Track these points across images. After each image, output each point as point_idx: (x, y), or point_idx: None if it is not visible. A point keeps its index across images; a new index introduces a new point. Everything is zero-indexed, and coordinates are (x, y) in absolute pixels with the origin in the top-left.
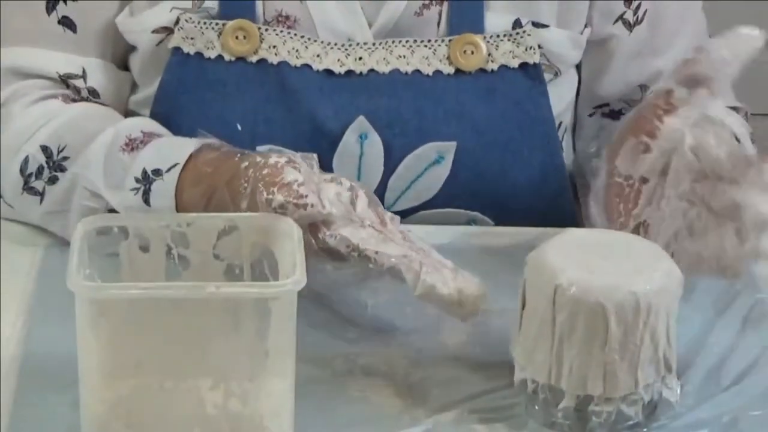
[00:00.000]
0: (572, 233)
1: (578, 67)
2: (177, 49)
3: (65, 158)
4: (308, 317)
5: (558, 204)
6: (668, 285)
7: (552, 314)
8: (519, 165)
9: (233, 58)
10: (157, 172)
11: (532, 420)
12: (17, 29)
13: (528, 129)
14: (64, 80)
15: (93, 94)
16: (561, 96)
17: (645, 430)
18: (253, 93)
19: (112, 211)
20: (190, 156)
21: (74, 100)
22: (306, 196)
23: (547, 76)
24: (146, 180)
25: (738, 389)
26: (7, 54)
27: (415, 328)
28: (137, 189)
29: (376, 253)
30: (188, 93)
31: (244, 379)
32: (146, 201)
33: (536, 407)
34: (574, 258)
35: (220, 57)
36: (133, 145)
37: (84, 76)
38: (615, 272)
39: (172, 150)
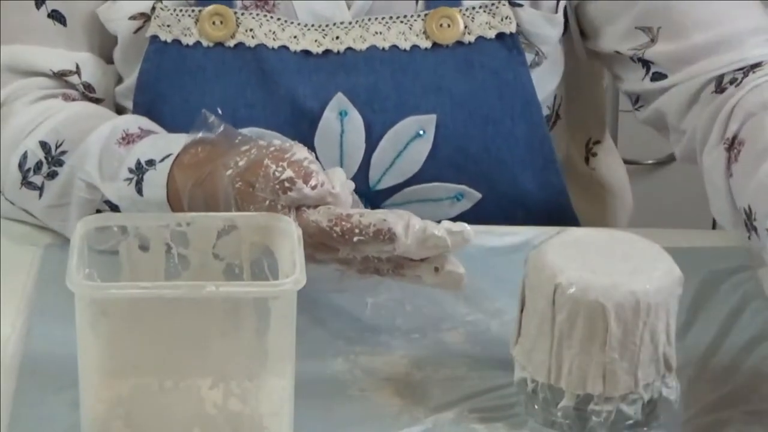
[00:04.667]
0: (572, 233)
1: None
2: (154, 38)
3: (63, 152)
4: (308, 316)
5: (544, 174)
6: (668, 284)
7: (552, 313)
8: (502, 135)
9: (211, 44)
10: (151, 163)
11: (532, 419)
12: (9, 27)
13: (509, 99)
14: (59, 77)
15: (88, 89)
16: (548, 80)
17: (645, 429)
18: (232, 77)
19: (107, 203)
20: (185, 147)
21: (74, 100)
22: (317, 174)
23: (528, 56)
24: (139, 170)
25: (738, 389)
26: (4, 52)
27: (415, 327)
28: (130, 179)
29: (361, 215)
30: (168, 81)
31: (243, 378)
32: (139, 191)
33: (536, 406)
34: (574, 257)
35: (198, 43)
36: (129, 139)
37: (78, 72)
38: (615, 272)
39: (167, 143)
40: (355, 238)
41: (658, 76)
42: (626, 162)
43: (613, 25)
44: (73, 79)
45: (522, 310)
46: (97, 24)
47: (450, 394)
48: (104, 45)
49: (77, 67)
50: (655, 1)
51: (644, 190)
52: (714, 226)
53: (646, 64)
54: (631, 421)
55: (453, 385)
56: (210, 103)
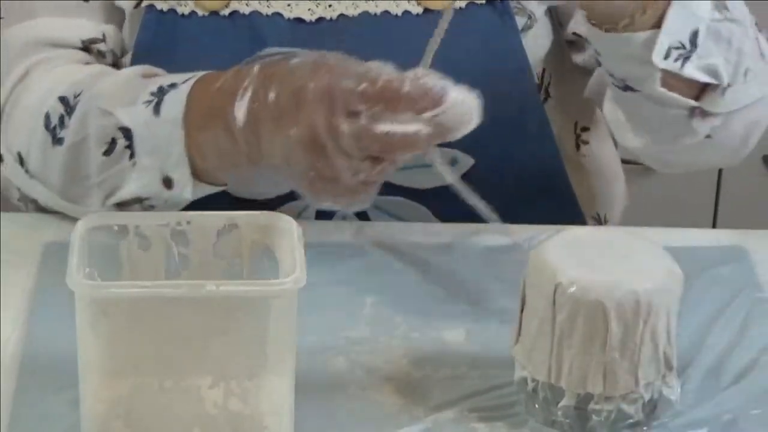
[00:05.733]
0: (573, 232)
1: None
2: (150, 7)
3: (79, 98)
4: (308, 315)
5: (537, 140)
6: (668, 284)
7: (552, 313)
8: (494, 100)
9: (206, 14)
10: (173, 85)
11: (532, 418)
12: (35, 3)
13: (500, 65)
14: (87, 46)
15: (115, 57)
16: (541, 41)
17: (645, 428)
18: (226, 46)
19: (122, 129)
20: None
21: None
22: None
23: (520, 20)
24: (161, 93)
25: (738, 388)
26: (29, 27)
27: (415, 327)
28: (149, 102)
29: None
30: (163, 50)
31: (243, 377)
32: (157, 112)
33: (536, 406)
34: (575, 257)
35: (193, 13)
36: (151, 75)
37: (104, 40)
38: (615, 271)
39: (193, 73)
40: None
41: None
42: (626, 162)
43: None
44: (102, 46)
45: (522, 310)
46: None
47: (450, 393)
48: (121, 20)
49: (104, 35)
50: None
51: (644, 190)
52: (714, 225)
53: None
54: (631, 421)
55: (453, 384)
56: (204, 70)
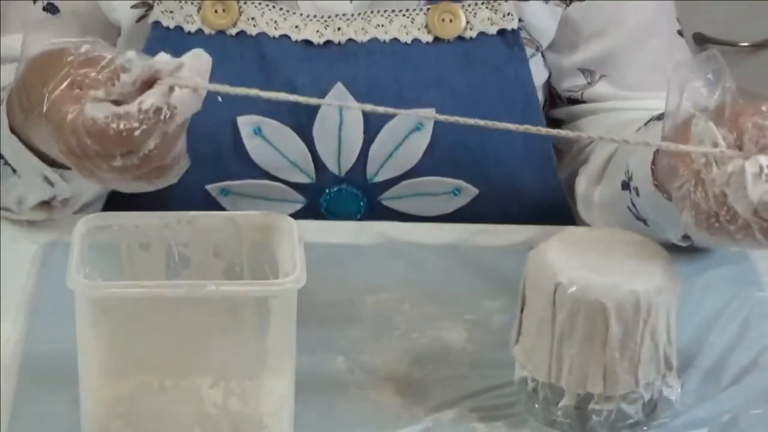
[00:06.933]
0: (573, 232)
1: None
2: (157, 24)
3: None
4: (308, 316)
5: (542, 172)
6: (668, 284)
7: (552, 313)
8: (500, 132)
9: (213, 32)
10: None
11: (532, 418)
12: (10, 20)
13: (508, 95)
14: None
15: None
16: (542, 70)
17: (645, 428)
18: (232, 65)
19: None
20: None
21: None
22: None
23: (528, 50)
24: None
25: (738, 388)
26: (2, 43)
27: (415, 327)
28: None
29: (141, 102)
30: None
31: (244, 377)
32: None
33: (536, 406)
34: (575, 256)
35: (200, 31)
36: None
37: None
38: (615, 271)
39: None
40: (137, 132)
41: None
42: None
43: (558, 63)
44: None
45: (522, 310)
46: (93, 19)
47: (450, 393)
48: (96, 35)
49: None
50: (603, 47)
51: None
52: None
53: (576, 102)
54: (631, 421)
55: (453, 384)
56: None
